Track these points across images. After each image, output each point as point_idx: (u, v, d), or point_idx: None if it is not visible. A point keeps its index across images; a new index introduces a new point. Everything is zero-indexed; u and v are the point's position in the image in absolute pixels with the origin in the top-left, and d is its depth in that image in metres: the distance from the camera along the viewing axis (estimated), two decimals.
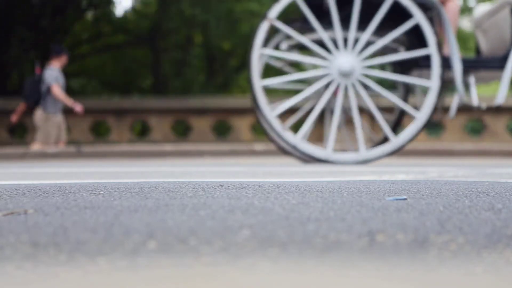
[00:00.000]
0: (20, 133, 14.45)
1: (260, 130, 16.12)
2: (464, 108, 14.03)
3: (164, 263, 1.42)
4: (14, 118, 12.00)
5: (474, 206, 2.06)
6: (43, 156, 10.80)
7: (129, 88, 21.32)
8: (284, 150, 6.58)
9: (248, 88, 23.52)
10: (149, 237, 1.58)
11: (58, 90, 11.22)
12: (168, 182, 2.96)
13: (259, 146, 11.57)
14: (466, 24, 23.67)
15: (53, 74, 11.22)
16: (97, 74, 21.44)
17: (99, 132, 15.99)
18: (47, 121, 11.35)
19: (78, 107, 11.32)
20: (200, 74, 21.03)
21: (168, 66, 20.33)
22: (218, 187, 2.59)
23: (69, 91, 20.56)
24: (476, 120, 15.04)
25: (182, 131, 15.55)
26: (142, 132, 16.74)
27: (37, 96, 11.35)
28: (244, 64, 21.74)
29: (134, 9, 21.32)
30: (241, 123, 14.63)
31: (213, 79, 20.39)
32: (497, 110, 13.82)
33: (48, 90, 11.24)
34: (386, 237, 1.59)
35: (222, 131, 15.48)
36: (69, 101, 11.29)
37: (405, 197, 2.31)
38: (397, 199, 2.25)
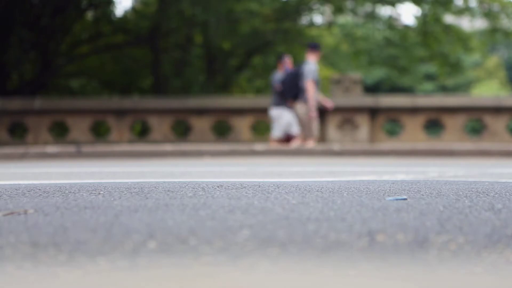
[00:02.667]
0: (20, 133, 14.45)
1: (260, 130, 16.12)
2: (464, 108, 14.03)
3: (164, 263, 1.42)
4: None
5: (474, 206, 2.06)
6: (43, 156, 10.80)
7: (129, 88, 21.30)
8: None
9: (248, 88, 23.53)
10: (149, 237, 1.58)
11: (311, 86, 11.29)
12: (168, 182, 2.96)
13: (259, 146, 11.57)
14: (466, 24, 23.67)
15: (311, 68, 11.29)
16: (97, 74, 21.42)
17: (99, 132, 15.98)
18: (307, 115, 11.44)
19: (329, 104, 11.48)
20: (200, 74, 21.02)
21: (168, 66, 20.32)
22: (218, 187, 2.59)
23: (69, 90, 20.56)
24: (476, 120, 15.05)
25: (182, 131, 15.55)
26: (142, 132, 16.73)
27: (295, 90, 11.36)
28: (244, 64, 21.74)
29: (134, 9, 21.30)
30: (241, 123, 14.63)
31: (213, 79, 20.38)
32: (497, 110, 13.82)
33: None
34: (386, 237, 1.59)
35: (222, 131, 15.47)
36: (321, 97, 11.42)
37: (405, 197, 2.31)
38: (397, 199, 2.25)
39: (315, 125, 11.69)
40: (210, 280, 1.28)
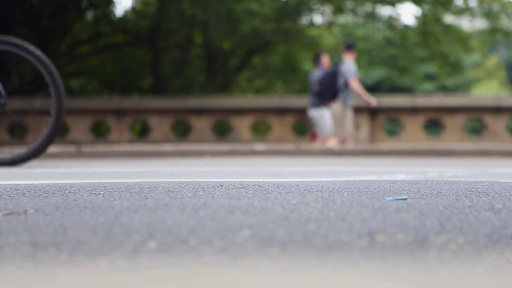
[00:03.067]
0: (20, 133, 14.45)
1: (260, 130, 16.12)
2: (464, 108, 14.03)
3: (164, 263, 1.42)
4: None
5: (474, 206, 2.06)
6: (43, 156, 10.79)
7: (129, 88, 21.30)
8: None
9: (248, 88, 23.51)
10: (149, 237, 1.58)
11: (356, 84, 11.32)
12: (168, 182, 2.96)
13: (259, 146, 11.57)
14: (466, 24, 23.66)
15: (350, 68, 11.31)
16: (97, 74, 21.42)
17: (99, 132, 15.98)
18: (344, 116, 11.45)
19: (373, 102, 11.53)
20: (200, 74, 21.02)
21: (168, 66, 20.32)
22: (218, 187, 2.59)
23: (69, 91, 20.55)
24: (476, 120, 15.05)
25: (182, 131, 15.55)
26: (142, 132, 16.73)
27: (333, 90, 11.38)
28: (244, 64, 21.72)
29: (134, 9, 21.30)
30: (241, 123, 14.63)
31: (213, 79, 20.38)
32: (497, 110, 13.82)
33: (346, 84, 11.32)
34: (386, 237, 1.59)
35: (222, 131, 15.48)
36: (366, 95, 11.47)
37: (405, 197, 2.31)
38: (397, 199, 2.25)
39: (352, 124, 11.74)
40: (210, 280, 1.28)
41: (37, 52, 6.08)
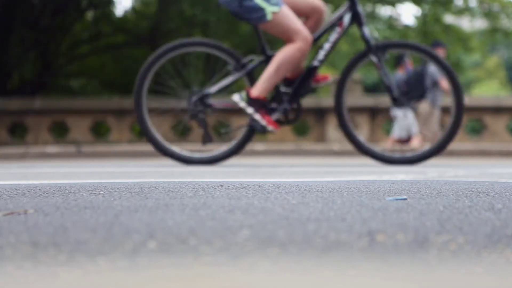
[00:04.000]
0: (20, 133, 14.44)
1: None
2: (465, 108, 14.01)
3: (164, 263, 1.42)
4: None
5: (474, 206, 2.06)
6: (43, 156, 10.79)
7: (129, 88, 21.30)
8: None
9: None
10: (149, 237, 1.58)
11: (446, 83, 11.31)
12: (168, 182, 2.96)
13: (259, 146, 11.57)
14: (466, 24, 23.66)
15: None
16: (97, 74, 21.41)
17: (99, 132, 15.98)
18: (432, 115, 11.44)
19: (466, 100, 11.57)
20: (200, 74, 21.02)
21: (168, 66, 20.34)
22: (218, 187, 2.59)
23: (69, 91, 20.54)
24: (476, 120, 15.03)
25: (181, 131, 15.55)
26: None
27: (421, 89, 11.35)
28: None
29: (134, 9, 21.29)
30: (241, 123, 14.62)
31: (213, 79, 20.40)
32: (497, 110, 13.82)
33: (434, 83, 11.28)
34: (386, 237, 1.59)
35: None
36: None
37: (405, 197, 2.31)
38: (397, 199, 2.25)
39: (438, 124, 11.73)
40: (210, 280, 1.28)
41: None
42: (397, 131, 11.80)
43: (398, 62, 12.37)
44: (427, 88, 11.40)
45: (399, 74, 11.93)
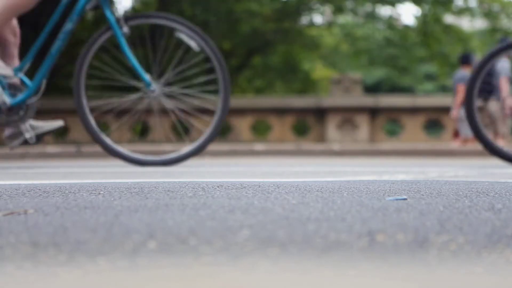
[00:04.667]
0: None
1: (260, 130, 16.11)
2: None
3: (164, 263, 1.42)
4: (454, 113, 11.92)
5: (474, 206, 2.06)
6: (43, 156, 10.80)
7: (129, 88, 21.30)
8: None
9: (248, 88, 23.50)
10: (149, 237, 1.58)
11: (505, 84, 11.24)
12: (168, 182, 2.96)
13: (259, 146, 11.57)
14: (466, 24, 23.67)
15: (505, 65, 11.26)
16: (97, 74, 21.42)
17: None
18: (499, 112, 11.41)
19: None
20: (200, 74, 21.03)
21: (168, 66, 20.35)
22: (218, 187, 2.59)
23: (69, 91, 20.51)
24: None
25: (181, 131, 15.55)
26: (142, 132, 16.72)
27: (488, 88, 11.28)
28: (244, 64, 21.71)
29: (134, 9, 21.32)
30: (241, 123, 14.63)
31: (212, 79, 20.40)
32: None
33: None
34: (386, 237, 1.59)
35: (222, 131, 15.48)
36: (507, 97, 11.46)
37: (405, 197, 2.31)
38: (397, 199, 2.25)
39: (507, 123, 11.69)
40: (210, 280, 1.28)
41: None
42: (464, 131, 11.75)
43: (464, 60, 12.23)
44: (496, 86, 11.34)
45: (465, 73, 11.80)
